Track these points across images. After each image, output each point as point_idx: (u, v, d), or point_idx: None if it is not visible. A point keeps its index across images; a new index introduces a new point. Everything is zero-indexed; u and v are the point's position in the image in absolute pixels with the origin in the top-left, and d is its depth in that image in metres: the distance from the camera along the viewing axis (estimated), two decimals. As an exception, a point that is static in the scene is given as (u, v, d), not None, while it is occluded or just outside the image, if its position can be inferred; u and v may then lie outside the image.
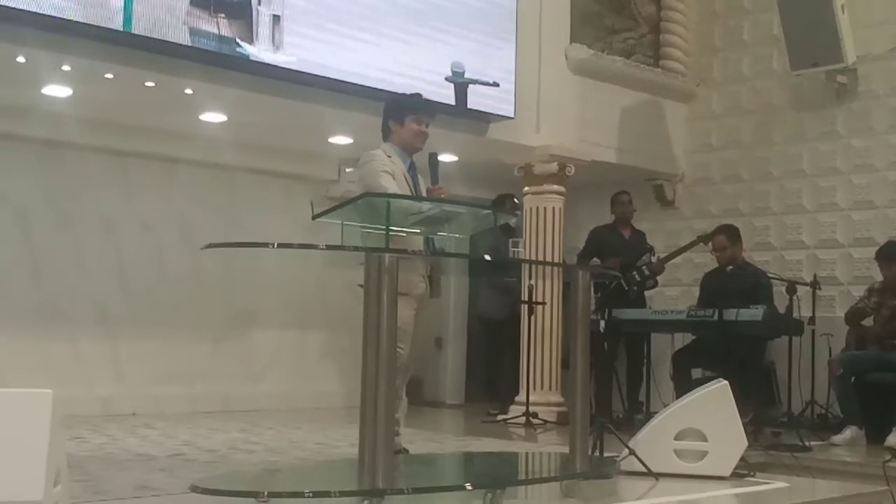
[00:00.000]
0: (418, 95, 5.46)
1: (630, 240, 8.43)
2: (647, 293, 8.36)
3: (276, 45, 6.39)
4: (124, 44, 5.81)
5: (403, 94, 5.57)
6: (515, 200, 8.33)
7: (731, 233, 7.64)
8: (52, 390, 2.91)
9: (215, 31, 6.11)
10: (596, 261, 8.10)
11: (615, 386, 7.92)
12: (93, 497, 3.94)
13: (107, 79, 6.07)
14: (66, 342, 7.26)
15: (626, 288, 7.98)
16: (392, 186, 4.90)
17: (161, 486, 4.29)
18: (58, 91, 6.43)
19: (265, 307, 8.34)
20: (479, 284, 9.24)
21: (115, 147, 7.37)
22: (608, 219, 8.58)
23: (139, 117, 7.09)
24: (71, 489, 3.32)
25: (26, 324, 7.07)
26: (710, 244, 7.76)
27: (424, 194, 5.09)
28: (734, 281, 7.43)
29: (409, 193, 5.01)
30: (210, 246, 3.60)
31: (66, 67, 5.93)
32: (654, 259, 8.23)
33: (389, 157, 5.12)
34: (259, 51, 6.30)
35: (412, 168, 5.22)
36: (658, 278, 8.29)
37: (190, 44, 5.99)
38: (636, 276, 8.07)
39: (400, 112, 5.24)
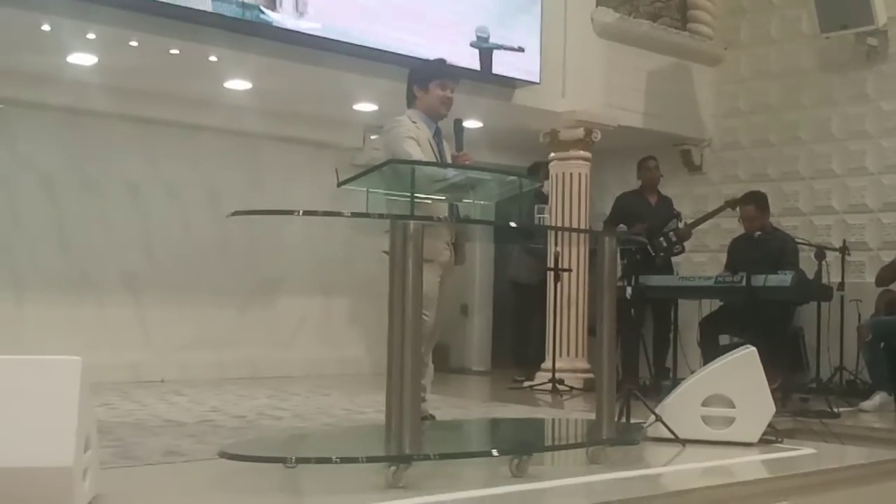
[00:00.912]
0: (442, 61, 5.41)
1: (657, 206, 8.36)
2: (674, 259, 8.30)
3: (299, 11, 6.35)
4: (148, 11, 5.79)
5: (428, 60, 5.52)
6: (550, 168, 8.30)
7: (760, 202, 7.52)
8: (80, 357, 2.93)
9: (238, -3, 6.08)
10: (622, 227, 8.05)
11: (642, 352, 7.88)
12: (123, 462, 3.98)
13: (131, 46, 6.07)
14: (93, 309, 7.33)
15: (653, 254, 7.91)
16: (417, 153, 4.87)
17: (190, 451, 4.33)
18: (83, 59, 6.44)
19: (291, 274, 8.37)
20: (509, 250, 9.20)
21: (140, 114, 7.38)
22: (635, 184, 8.51)
23: (164, 85, 7.10)
24: (101, 454, 3.36)
25: (54, 291, 7.14)
26: (737, 210, 7.69)
27: (449, 161, 5.07)
28: (762, 247, 7.36)
29: (434, 160, 4.99)
30: (236, 213, 3.60)
31: (90, 35, 5.94)
32: (681, 225, 8.16)
33: (414, 123, 5.09)
34: (282, 17, 6.26)
35: (437, 134, 5.19)
36: (685, 244, 8.22)
37: (213, 11, 5.97)
38: (663, 243, 8.00)
39: (424, 78, 5.20)
